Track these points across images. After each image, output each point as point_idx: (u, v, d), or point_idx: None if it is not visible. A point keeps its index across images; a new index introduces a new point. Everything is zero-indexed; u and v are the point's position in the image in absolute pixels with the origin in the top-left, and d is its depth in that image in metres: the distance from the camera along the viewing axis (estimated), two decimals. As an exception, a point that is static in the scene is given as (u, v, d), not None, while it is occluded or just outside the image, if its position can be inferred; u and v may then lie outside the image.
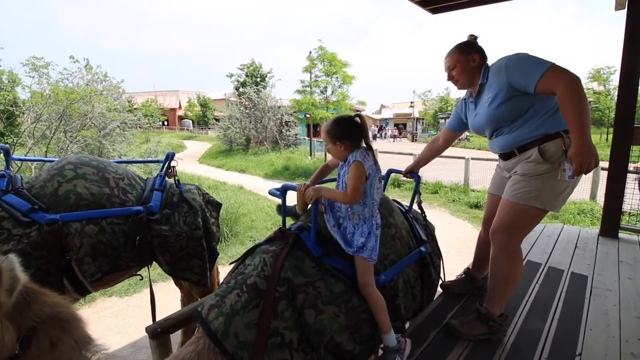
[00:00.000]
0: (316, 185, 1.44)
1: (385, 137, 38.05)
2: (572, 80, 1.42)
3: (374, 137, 36.97)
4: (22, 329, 0.75)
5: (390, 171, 2.13)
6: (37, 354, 0.76)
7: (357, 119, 1.47)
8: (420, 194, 2.03)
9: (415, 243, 1.79)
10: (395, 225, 1.70)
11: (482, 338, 1.77)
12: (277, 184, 1.52)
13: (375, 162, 1.45)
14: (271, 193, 1.54)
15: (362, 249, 1.39)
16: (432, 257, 1.88)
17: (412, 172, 2.12)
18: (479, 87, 1.76)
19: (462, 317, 1.88)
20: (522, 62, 1.56)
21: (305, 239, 1.42)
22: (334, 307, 1.32)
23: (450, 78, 1.84)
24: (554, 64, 1.48)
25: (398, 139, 37.26)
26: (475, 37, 1.82)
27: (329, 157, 1.60)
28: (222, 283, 1.35)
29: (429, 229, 2.02)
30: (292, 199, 1.55)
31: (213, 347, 1.15)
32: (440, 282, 2.27)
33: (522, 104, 1.61)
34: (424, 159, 2.19)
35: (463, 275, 2.32)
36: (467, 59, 1.76)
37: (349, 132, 1.44)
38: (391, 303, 1.54)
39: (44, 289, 0.84)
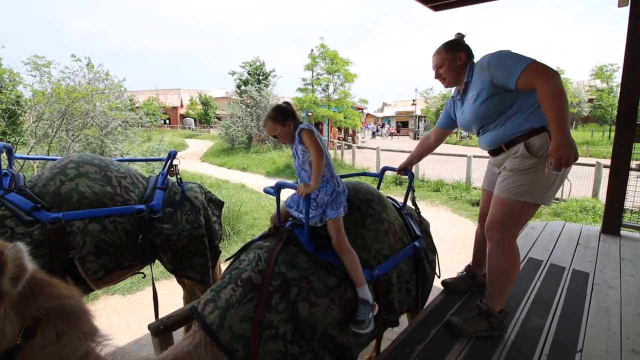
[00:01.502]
0: (303, 183, 1.45)
1: (382, 135, 38.06)
2: (551, 77, 1.44)
3: (373, 134, 36.92)
4: (26, 319, 0.75)
5: (384, 169, 2.16)
6: (41, 345, 0.76)
7: (284, 104, 1.59)
8: (414, 190, 2.05)
9: (410, 238, 1.81)
10: (389, 220, 1.73)
11: (483, 335, 1.77)
12: (279, 182, 1.54)
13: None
14: (266, 191, 1.56)
15: (327, 207, 1.44)
16: (427, 252, 1.91)
17: (406, 169, 2.14)
18: (465, 85, 1.80)
19: (463, 314, 1.89)
20: (503, 60, 1.59)
21: (299, 234, 1.45)
22: (328, 301, 1.34)
23: (437, 76, 1.87)
24: (534, 60, 1.50)
25: (395, 137, 37.21)
26: (463, 36, 1.85)
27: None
28: (218, 279, 1.37)
29: (424, 224, 2.05)
30: (287, 196, 1.57)
31: (209, 340, 1.18)
32: (442, 279, 2.28)
33: (505, 100, 1.64)
34: (416, 156, 2.22)
35: (464, 273, 2.33)
36: (454, 57, 1.78)
37: (291, 112, 1.53)
38: (384, 297, 1.57)
39: (53, 280, 0.83)
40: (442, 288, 2.30)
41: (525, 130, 1.62)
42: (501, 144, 1.72)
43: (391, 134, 38.36)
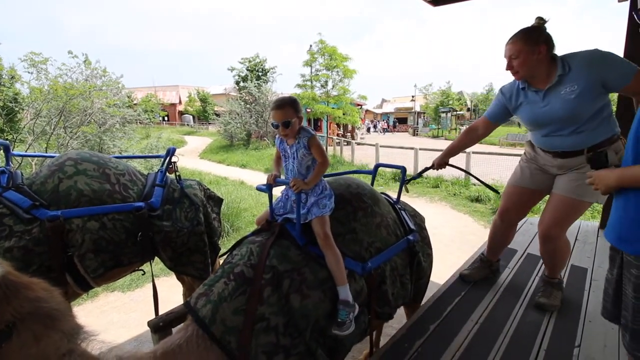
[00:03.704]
0: (298, 179, 1.45)
1: (377, 131, 37.97)
2: None
3: (368, 130, 36.81)
4: (0, 323, 0.74)
5: (377, 165, 2.16)
6: (18, 348, 0.76)
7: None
8: (405, 185, 2.07)
9: (404, 231, 1.81)
10: (381, 214, 1.73)
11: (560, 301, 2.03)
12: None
13: None
14: (258, 189, 1.56)
15: (313, 206, 1.45)
16: (423, 245, 1.92)
17: (398, 165, 2.09)
18: (558, 77, 1.65)
19: (542, 295, 2.05)
20: (615, 60, 1.57)
21: (291, 229, 1.46)
22: (320, 293, 1.36)
23: (509, 68, 1.70)
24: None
25: (389, 133, 37.08)
26: (545, 21, 1.65)
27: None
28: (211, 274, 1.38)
29: (418, 218, 2.06)
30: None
31: (201, 333, 1.20)
32: (460, 272, 2.34)
33: (602, 103, 1.66)
34: (459, 147, 2.16)
35: (479, 262, 2.36)
36: (532, 50, 1.61)
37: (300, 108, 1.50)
38: (377, 289, 1.58)
39: (31, 282, 0.82)
40: (441, 284, 2.31)
41: (611, 135, 1.69)
42: (585, 147, 1.72)
43: (384, 130, 38.29)
